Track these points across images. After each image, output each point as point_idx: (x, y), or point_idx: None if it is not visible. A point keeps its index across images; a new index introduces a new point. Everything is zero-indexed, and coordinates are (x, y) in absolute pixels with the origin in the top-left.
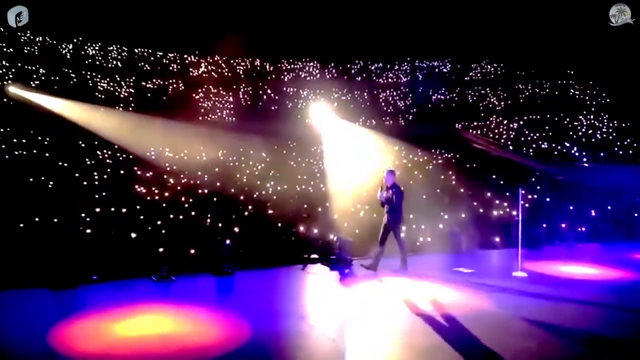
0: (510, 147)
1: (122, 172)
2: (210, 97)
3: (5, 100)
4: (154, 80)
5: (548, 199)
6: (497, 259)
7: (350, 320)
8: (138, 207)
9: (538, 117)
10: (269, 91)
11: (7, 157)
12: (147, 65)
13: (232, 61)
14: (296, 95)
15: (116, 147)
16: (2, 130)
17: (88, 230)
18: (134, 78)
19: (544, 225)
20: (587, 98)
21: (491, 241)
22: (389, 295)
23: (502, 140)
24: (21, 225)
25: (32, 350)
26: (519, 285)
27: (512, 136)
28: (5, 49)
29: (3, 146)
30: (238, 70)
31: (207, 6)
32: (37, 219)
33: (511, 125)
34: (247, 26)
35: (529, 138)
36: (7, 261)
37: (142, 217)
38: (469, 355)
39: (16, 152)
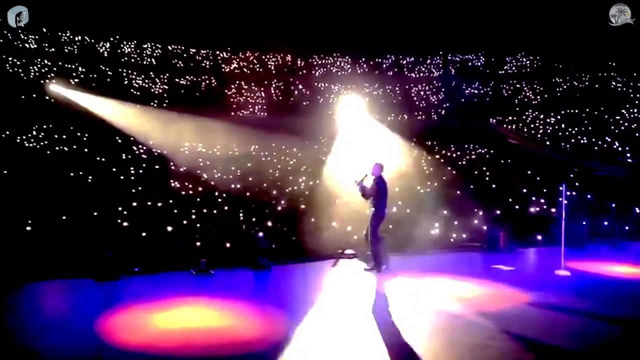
0: (547, 142)
1: (157, 167)
2: (242, 92)
3: (47, 97)
4: (187, 77)
5: (589, 196)
6: (537, 256)
7: (388, 317)
8: (173, 201)
9: (576, 111)
10: (300, 86)
11: (48, 152)
12: (180, 62)
13: (263, 57)
14: (327, 90)
15: (151, 142)
16: (44, 126)
17: (126, 224)
18: (167, 75)
19: (584, 223)
20: (629, 91)
21: (530, 239)
22: (427, 293)
23: (539, 135)
24: (63, 217)
25: (76, 338)
26: (562, 284)
27: (549, 131)
28: (47, 49)
29: (45, 142)
30: (269, 66)
31: (239, 2)
32: (78, 212)
33: (548, 120)
34: (279, 21)
35: (567, 133)
36: (53, 252)
37: (177, 211)
38: (511, 354)
39: (57, 148)
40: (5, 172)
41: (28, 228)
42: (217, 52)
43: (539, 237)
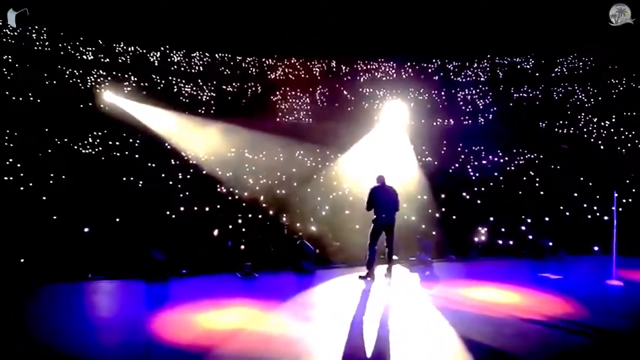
0: (602, 147)
1: (204, 172)
2: (287, 99)
3: (101, 106)
4: (234, 84)
5: None
6: (588, 265)
7: (427, 323)
8: (219, 206)
9: (634, 113)
10: (344, 92)
11: (102, 158)
12: (227, 70)
13: (308, 63)
14: (372, 95)
15: (198, 148)
16: (98, 134)
17: (174, 227)
18: (215, 82)
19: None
20: None
21: (582, 247)
22: (465, 299)
23: (592, 140)
24: (117, 220)
25: (126, 335)
26: (613, 295)
27: (603, 135)
28: (102, 59)
29: (99, 149)
30: (314, 72)
31: (284, 8)
32: (129, 216)
33: (602, 123)
34: (323, 27)
35: (623, 137)
36: (107, 253)
37: (223, 215)
38: None
39: (110, 154)
40: (63, 177)
41: (86, 230)
42: (263, 59)
43: (592, 246)
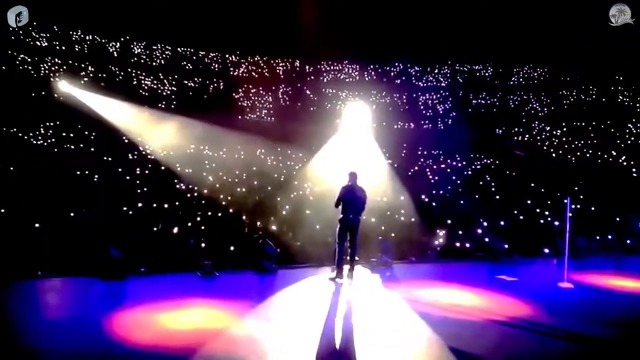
0: (553, 155)
1: (162, 168)
2: (249, 96)
3: (55, 96)
4: (196, 79)
5: (593, 208)
6: (541, 268)
7: (387, 324)
8: (178, 203)
9: (583, 124)
10: (307, 92)
11: (55, 150)
12: (189, 64)
13: (271, 61)
14: (334, 96)
15: (157, 143)
16: (51, 124)
17: (132, 224)
18: (176, 77)
19: (590, 236)
20: (637, 105)
21: (534, 250)
22: (426, 300)
23: (545, 148)
24: (71, 214)
25: (81, 336)
26: (565, 297)
27: (555, 143)
28: (58, 47)
29: (52, 140)
30: (277, 71)
31: (250, 6)
32: (84, 211)
33: (554, 132)
34: (288, 27)
35: (573, 146)
36: (59, 250)
37: (182, 213)
38: None
39: (65, 146)
40: (11, 168)
41: (36, 225)
42: (226, 56)
43: (544, 249)
